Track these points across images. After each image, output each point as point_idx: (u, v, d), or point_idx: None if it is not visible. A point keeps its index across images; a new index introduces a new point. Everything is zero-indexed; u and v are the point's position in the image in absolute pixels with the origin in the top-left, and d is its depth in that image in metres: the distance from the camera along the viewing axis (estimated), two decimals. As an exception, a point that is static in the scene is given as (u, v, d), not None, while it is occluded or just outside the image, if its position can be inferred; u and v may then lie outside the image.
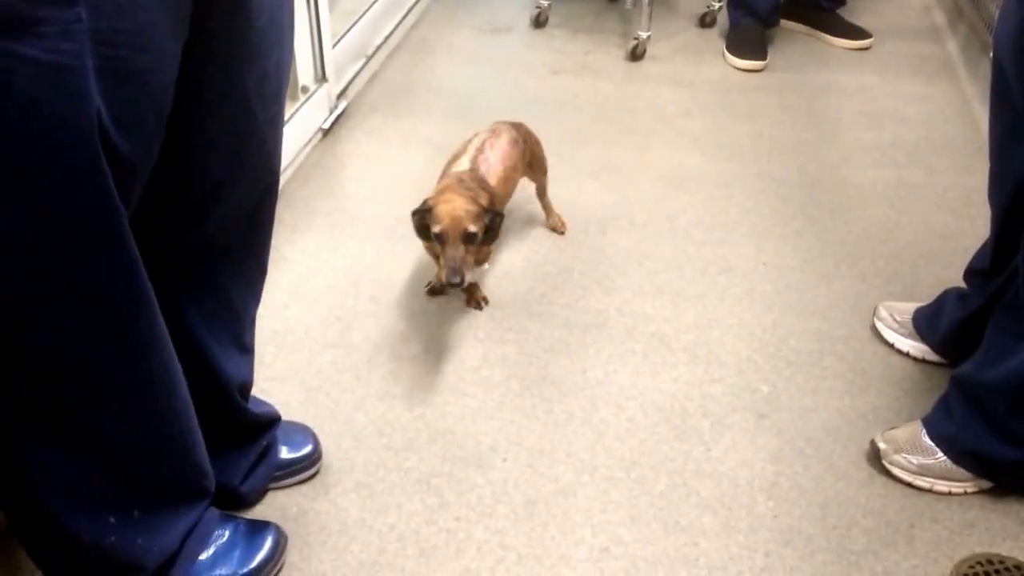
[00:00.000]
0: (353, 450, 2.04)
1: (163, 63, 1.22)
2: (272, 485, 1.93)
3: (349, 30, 3.39)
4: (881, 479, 2.00)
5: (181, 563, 1.62)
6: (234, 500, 1.84)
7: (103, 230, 1.23)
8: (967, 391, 1.93)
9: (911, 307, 2.33)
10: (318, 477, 1.98)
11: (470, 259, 2.08)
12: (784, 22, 3.97)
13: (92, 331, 1.30)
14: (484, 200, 2.11)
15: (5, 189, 1.13)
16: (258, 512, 1.90)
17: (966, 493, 1.97)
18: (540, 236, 2.71)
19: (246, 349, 1.75)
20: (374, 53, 3.58)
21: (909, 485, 1.98)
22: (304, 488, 1.96)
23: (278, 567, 1.77)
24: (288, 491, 1.95)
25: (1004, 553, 1.84)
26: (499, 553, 1.83)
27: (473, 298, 2.44)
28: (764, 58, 3.69)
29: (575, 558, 1.83)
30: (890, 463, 1.98)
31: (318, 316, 2.40)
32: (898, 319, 2.32)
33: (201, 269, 1.57)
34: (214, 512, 1.71)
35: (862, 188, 2.94)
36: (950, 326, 2.18)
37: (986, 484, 1.96)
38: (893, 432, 2.02)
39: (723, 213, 2.82)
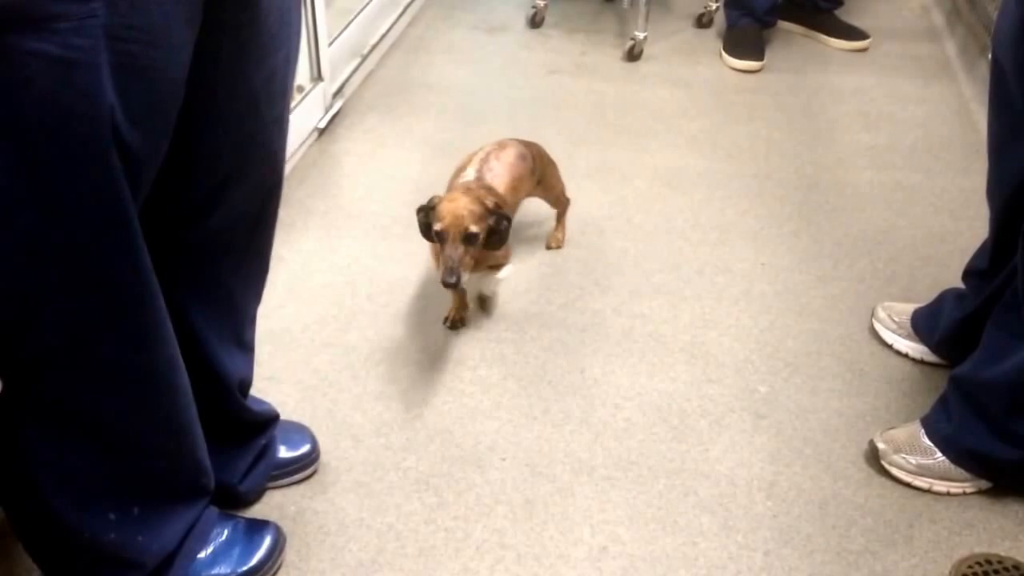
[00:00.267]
0: (351, 449, 2.04)
1: (175, 59, 1.23)
2: (270, 484, 1.93)
3: (345, 28, 3.38)
4: (880, 479, 2.00)
5: (180, 561, 1.62)
6: (232, 499, 1.83)
7: (113, 223, 1.23)
8: (966, 391, 1.93)
9: (909, 308, 2.33)
10: (316, 476, 1.98)
11: (469, 261, 2.05)
12: (781, 23, 3.97)
13: (98, 323, 1.31)
14: (491, 202, 2.08)
15: (18, 182, 1.14)
16: (256, 511, 1.89)
17: (965, 493, 1.97)
18: (537, 237, 2.70)
19: (246, 347, 1.75)
20: (369, 52, 3.58)
21: (908, 485, 1.98)
22: (302, 487, 1.95)
23: (277, 566, 1.77)
24: (286, 490, 1.94)
25: (1003, 553, 1.84)
26: (498, 552, 1.83)
27: (482, 308, 2.40)
28: (761, 59, 3.69)
29: (574, 557, 1.82)
30: (889, 463, 1.98)
31: (315, 315, 2.40)
32: (896, 320, 2.32)
33: (204, 266, 1.56)
34: (213, 511, 1.71)
35: (859, 189, 2.94)
36: (948, 326, 2.18)
37: (985, 484, 1.96)
38: (892, 432, 2.02)
39: (720, 214, 2.82)
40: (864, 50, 3.86)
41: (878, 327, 2.35)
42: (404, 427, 2.09)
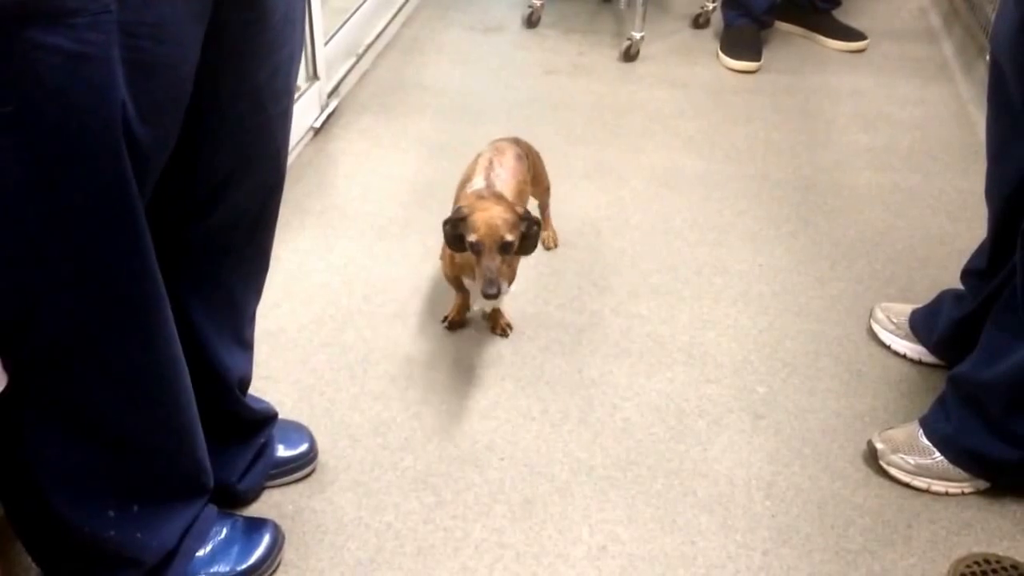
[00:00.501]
0: (349, 449, 2.03)
1: (185, 55, 1.24)
2: (268, 483, 1.92)
3: (340, 28, 3.38)
4: (878, 479, 2.00)
5: (179, 559, 1.61)
6: (231, 497, 1.83)
7: (120, 219, 1.24)
8: (964, 391, 1.93)
9: (907, 308, 2.33)
10: (314, 475, 1.97)
11: (506, 270, 2.01)
12: (779, 23, 3.97)
13: (103, 317, 1.31)
14: (520, 208, 2.04)
15: (29, 176, 1.14)
16: (254, 510, 1.89)
17: (963, 493, 1.97)
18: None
19: (246, 345, 1.75)
20: (365, 51, 3.57)
21: (906, 485, 1.98)
22: (300, 486, 1.95)
23: (275, 564, 1.76)
24: (284, 489, 1.94)
25: (1001, 553, 1.84)
26: (497, 551, 1.83)
27: (498, 324, 2.37)
28: (758, 59, 3.69)
29: (573, 556, 1.82)
30: (887, 463, 1.98)
31: (311, 315, 2.39)
32: (894, 320, 2.32)
33: (204, 263, 1.56)
34: (212, 509, 1.70)
35: (857, 191, 2.94)
36: (946, 327, 2.19)
37: (983, 484, 1.97)
38: (890, 432, 2.02)
39: (718, 214, 2.82)
40: (862, 51, 3.86)
41: (876, 328, 2.35)
42: (402, 427, 2.09)
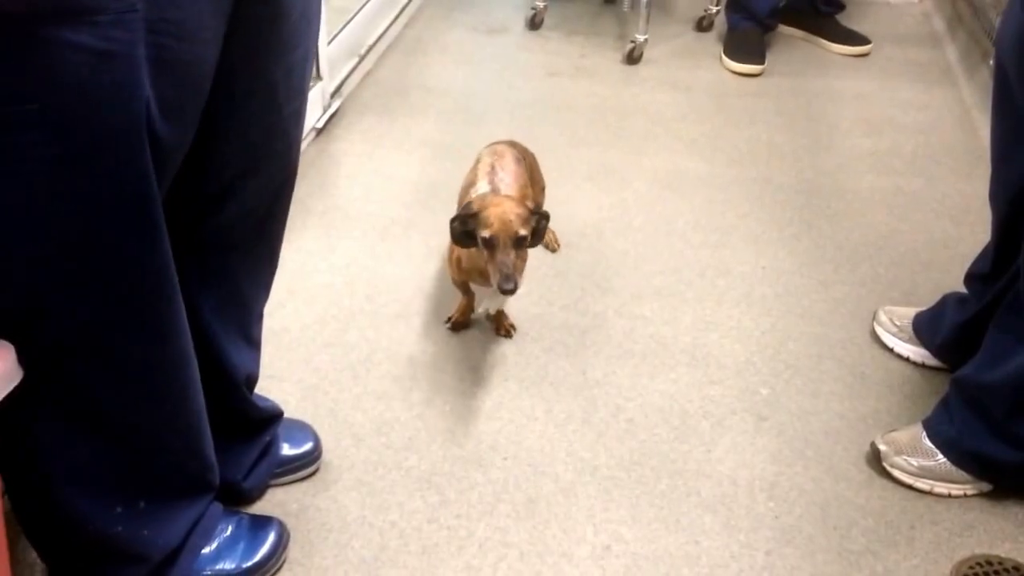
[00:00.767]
0: (352, 448, 2.03)
1: (207, 53, 1.25)
2: (273, 482, 1.92)
3: (343, 28, 3.38)
4: (881, 481, 2.00)
5: (185, 556, 1.61)
6: (236, 495, 1.83)
7: (141, 216, 1.24)
8: (968, 393, 1.93)
9: (911, 311, 2.33)
10: (318, 474, 1.97)
11: (520, 264, 2.01)
12: (782, 27, 3.97)
13: (117, 311, 1.31)
14: (531, 204, 2.06)
15: (53, 173, 1.14)
16: (259, 508, 1.89)
17: (966, 495, 1.97)
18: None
19: (253, 342, 1.75)
20: (367, 52, 3.57)
21: (909, 487, 1.98)
22: (304, 485, 1.95)
23: (280, 562, 1.77)
24: (288, 488, 1.94)
25: (1003, 555, 1.84)
26: (501, 551, 1.83)
27: (502, 326, 2.37)
28: (762, 62, 3.69)
29: (577, 556, 1.82)
30: (890, 465, 1.99)
31: (314, 315, 2.40)
32: (898, 323, 2.32)
33: (214, 260, 1.56)
34: (218, 506, 1.70)
35: (860, 194, 2.95)
36: (950, 330, 2.19)
37: (986, 486, 1.97)
38: (893, 434, 2.02)
39: (720, 217, 2.82)
40: (865, 55, 3.86)
41: (879, 331, 2.36)
42: (405, 426, 2.09)
